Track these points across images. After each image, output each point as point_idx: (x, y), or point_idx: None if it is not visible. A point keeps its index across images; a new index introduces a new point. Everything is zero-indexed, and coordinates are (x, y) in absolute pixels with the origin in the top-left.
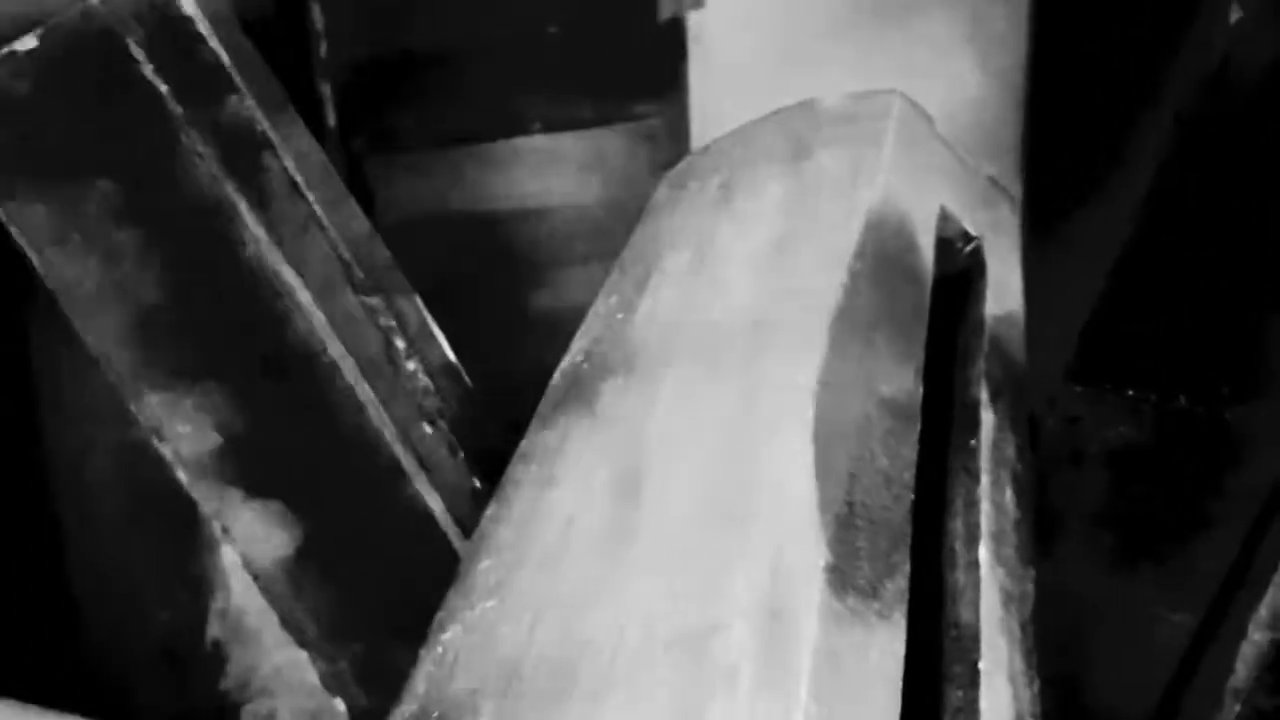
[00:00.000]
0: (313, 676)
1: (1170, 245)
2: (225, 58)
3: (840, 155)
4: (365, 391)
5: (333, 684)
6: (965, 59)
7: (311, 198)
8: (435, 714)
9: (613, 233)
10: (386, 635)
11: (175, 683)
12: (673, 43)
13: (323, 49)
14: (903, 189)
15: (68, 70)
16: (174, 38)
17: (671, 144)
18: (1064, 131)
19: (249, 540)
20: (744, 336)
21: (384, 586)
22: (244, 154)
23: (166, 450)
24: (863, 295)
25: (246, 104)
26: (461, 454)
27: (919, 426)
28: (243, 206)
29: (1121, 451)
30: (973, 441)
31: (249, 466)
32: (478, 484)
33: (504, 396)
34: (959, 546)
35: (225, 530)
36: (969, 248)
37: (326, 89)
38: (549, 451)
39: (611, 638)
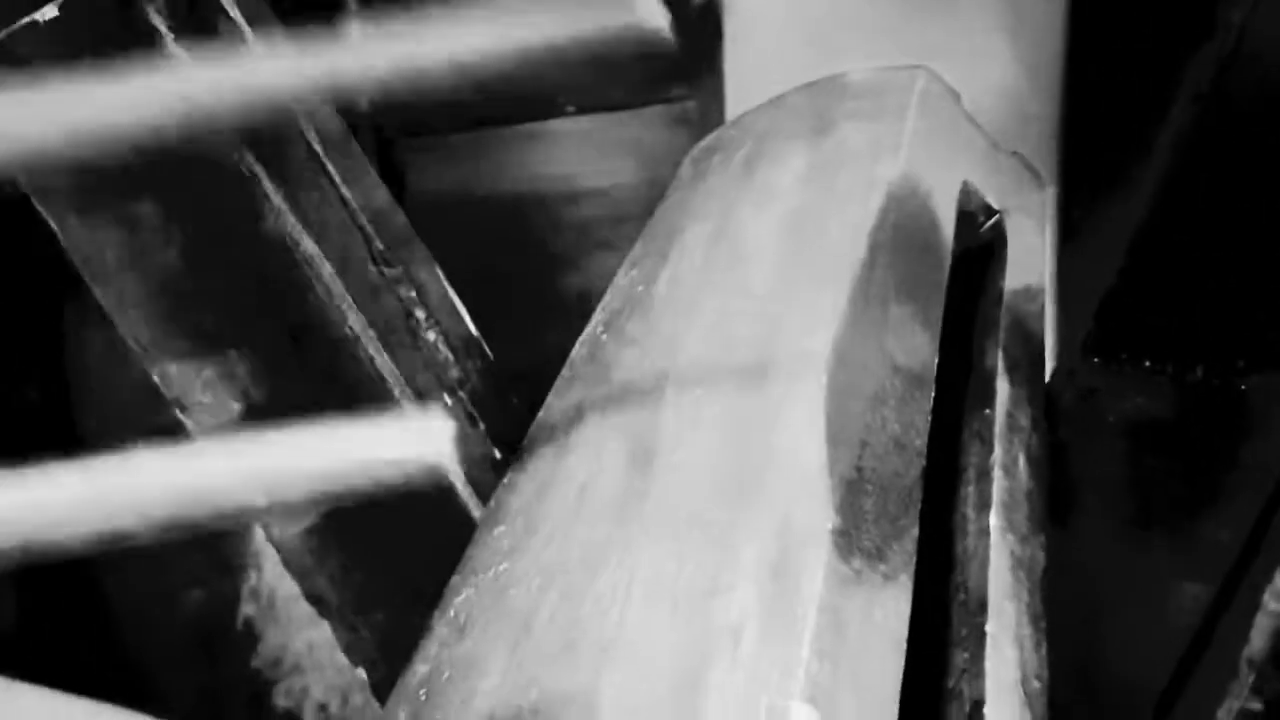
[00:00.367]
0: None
1: (1187, 219)
2: (246, 27)
3: (863, 129)
4: (384, 362)
5: (355, 654)
6: (1001, 47)
7: (332, 168)
8: (446, 674)
9: (646, 216)
10: (408, 604)
11: (207, 661)
12: (708, 25)
13: (355, 33)
14: (925, 162)
15: (89, 39)
16: (195, 7)
17: (706, 126)
18: (1099, 119)
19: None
20: (763, 307)
21: (405, 556)
22: (265, 124)
23: (188, 420)
24: (880, 266)
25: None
26: (482, 425)
27: (932, 394)
28: (263, 176)
29: (1138, 423)
30: (988, 411)
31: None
32: (498, 454)
33: (534, 378)
34: (970, 513)
35: None
36: (991, 221)
37: None
38: (566, 420)
39: (619, 598)
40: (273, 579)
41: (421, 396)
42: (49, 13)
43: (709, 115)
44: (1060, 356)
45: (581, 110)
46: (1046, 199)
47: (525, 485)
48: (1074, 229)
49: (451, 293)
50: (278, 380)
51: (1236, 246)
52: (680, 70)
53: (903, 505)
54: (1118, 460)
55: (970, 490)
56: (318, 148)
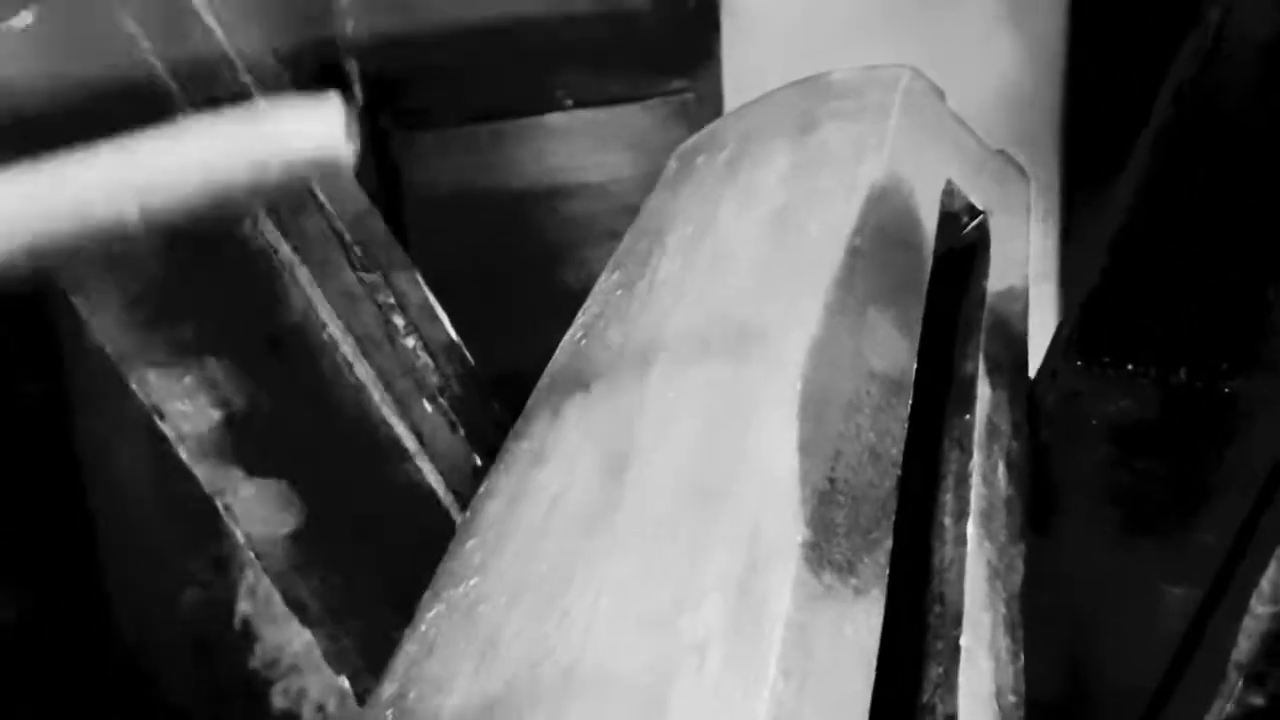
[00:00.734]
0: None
1: (1168, 220)
2: (221, 35)
3: (845, 128)
4: (364, 369)
5: (336, 661)
6: (1004, 39)
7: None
8: (412, 694)
9: None
10: (389, 612)
11: (205, 661)
12: (705, 18)
13: (350, 25)
14: (907, 163)
15: (63, 46)
16: (170, 14)
17: (704, 120)
18: (1102, 115)
19: (251, 518)
20: (740, 312)
21: (386, 563)
22: None
23: (168, 429)
24: (859, 269)
25: (243, 80)
26: (462, 431)
27: (910, 401)
28: None
29: (1122, 426)
30: (967, 416)
31: (249, 444)
32: (479, 461)
33: (532, 374)
34: (948, 521)
35: (227, 509)
36: (974, 222)
37: (353, 65)
38: (542, 429)
39: (585, 614)
40: None
41: (400, 402)
42: (24, 19)
43: (707, 109)
44: (1045, 358)
45: (580, 104)
46: (1032, 197)
47: (499, 495)
48: (1077, 227)
49: (431, 298)
50: (257, 387)
51: (1218, 248)
52: (678, 64)
53: (876, 517)
54: (1102, 463)
55: (949, 498)
56: None
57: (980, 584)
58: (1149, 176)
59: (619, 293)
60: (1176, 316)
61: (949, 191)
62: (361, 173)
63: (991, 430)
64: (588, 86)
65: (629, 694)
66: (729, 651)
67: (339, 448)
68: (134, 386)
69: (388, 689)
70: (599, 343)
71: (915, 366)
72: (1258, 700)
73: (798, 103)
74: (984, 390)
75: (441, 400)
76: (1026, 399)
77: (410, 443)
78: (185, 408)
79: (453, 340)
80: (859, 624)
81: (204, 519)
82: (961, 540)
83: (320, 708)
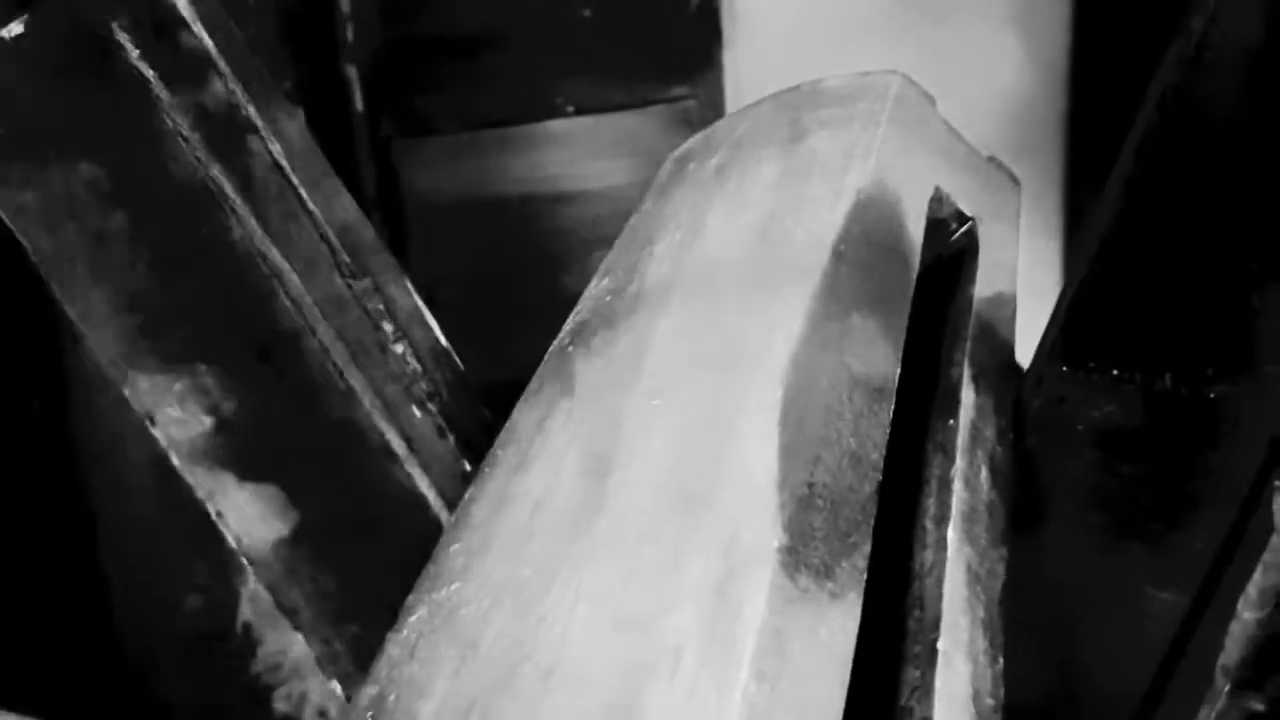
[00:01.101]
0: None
1: (1152, 225)
2: (209, 42)
3: (834, 136)
4: (354, 375)
5: (329, 666)
6: (1007, 46)
7: (297, 181)
8: (392, 696)
9: None
10: (381, 616)
11: (207, 666)
12: (706, 24)
13: (350, 32)
14: (895, 170)
15: (53, 56)
16: (158, 23)
17: (706, 126)
18: (1105, 118)
19: (243, 524)
20: (724, 319)
21: (378, 568)
22: (229, 138)
23: (159, 435)
24: (843, 276)
25: (231, 88)
26: (452, 437)
27: (892, 406)
28: (229, 190)
29: (1108, 431)
30: (951, 422)
31: (241, 450)
32: (468, 467)
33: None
34: (929, 525)
35: (219, 515)
36: (963, 229)
37: (354, 73)
38: (527, 433)
39: (563, 619)
40: None
41: (390, 408)
42: (14, 29)
43: (708, 115)
44: (1031, 363)
45: (580, 110)
46: (1022, 204)
47: (484, 500)
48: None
49: (421, 304)
50: (247, 393)
51: (1203, 254)
52: (679, 70)
53: (855, 521)
54: (1087, 468)
55: (931, 503)
56: (282, 161)
57: (959, 588)
58: (1133, 183)
59: (607, 298)
60: (1162, 323)
61: (937, 198)
62: (361, 179)
63: (975, 435)
64: (588, 93)
65: (604, 696)
66: (703, 654)
67: (329, 453)
68: (126, 393)
69: (369, 691)
70: (585, 349)
71: (899, 372)
72: (1257, 706)
73: (788, 110)
74: (968, 396)
75: (430, 406)
76: (1013, 404)
77: (400, 448)
78: (176, 414)
79: (442, 346)
80: (834, 627)
81: (205, 524)
82: (942, 545)
83: (321, 712)
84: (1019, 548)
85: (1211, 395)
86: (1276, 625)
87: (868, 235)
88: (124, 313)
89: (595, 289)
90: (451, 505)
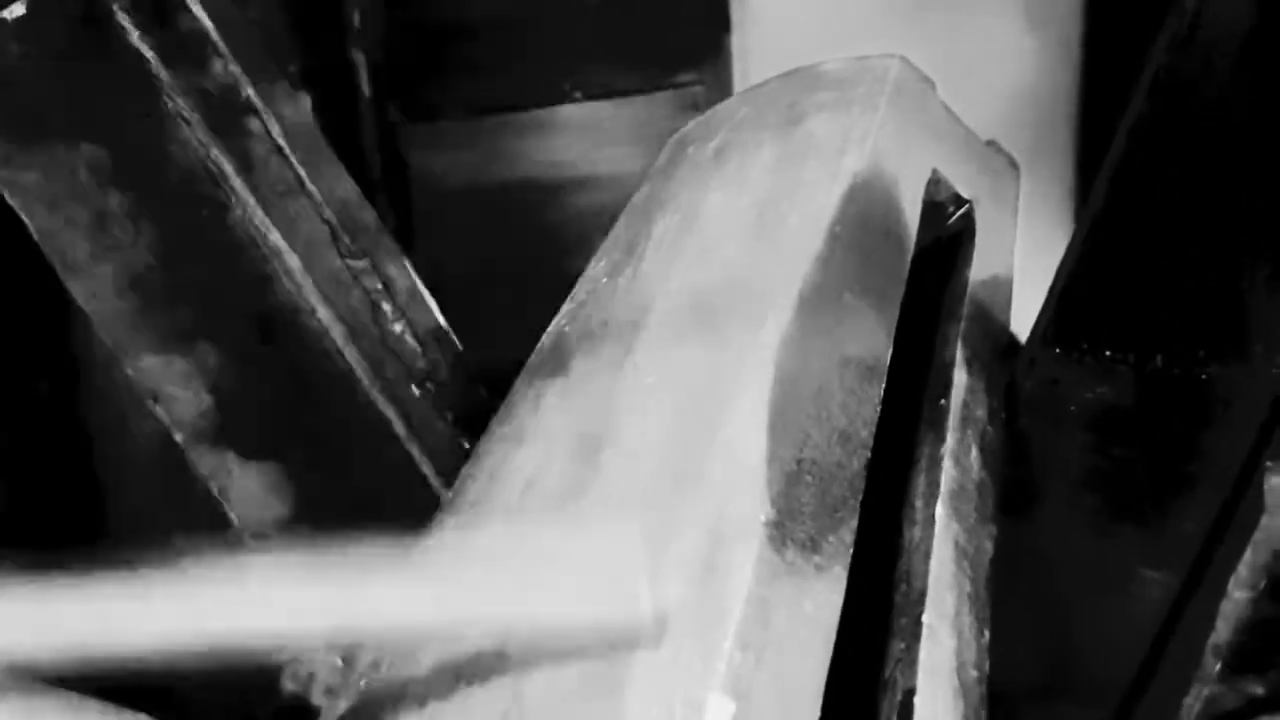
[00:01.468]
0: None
1: (1143, 207)
2: (209, 23)
3: (832, 120)
4: (353, 354)
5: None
6: (1020, 35)
7: (296, 161)
8: (385, 663)
9: None
10: None
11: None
12: (714, 10)
13: (357, 18)
14: (892, 154)
15: (56, 37)
16: (158, 5)
17: None
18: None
19: (244, 501)
20: (718, 300)
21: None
22: (229, 119)
23: (162, 413)
24: (837, 258)
25: (231, 69)
26: (450, 415)
27: (883, 385)
28: (229, 170)
29: (1100, 413)
30: (943, 401)
31: (243, 429)
32: (466, 445)
33: None
34: (919, 503)
35: (221, 492)
36: (960, 211)
37: (361, 58)
38: (523, 413)
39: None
40: None
41: (389, 387)
42: (16, 10)
43: (716, 101)
44: (1025, 345)
45: (589, 97)
46: (1020, 187)
47: (479, 476)
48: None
49: (419, 284)
50: (248, 372)
51: (1194, 236)
52: (687, 56)
53: (843, 496)
54: (1080, 450)
55: (921, 480)
56: (282, 142)
57: (946, 563)
58: (1125, 165)
59: (604, 280)
60: (1153, 304)
61: (935, 181)
62: (368, 165)
63: (966, 415)
64: (596, 79)
65: (591, 664)
66: (690, 625)
67: (329, 431)
68: (129, 372)
69: (364, 659)
70: (581, 329)
71: (891, 352)
72: (1257, 690)
73: (787, 94)
74: (961, 377)
75: (429, 385)
76: (1006, 386)
77: (399, 426)
78: (179, 392)
79: (440, 326)
80: (820, 600)
81: (212, 503)
82: (930, 521)
83: (329, 690)
84: (1011, 528)
85: (1203, 376)
86: (1267, 606)
87: (863, 218)
88: (126, 292)
89: (593, 270)
90: (449, 482)
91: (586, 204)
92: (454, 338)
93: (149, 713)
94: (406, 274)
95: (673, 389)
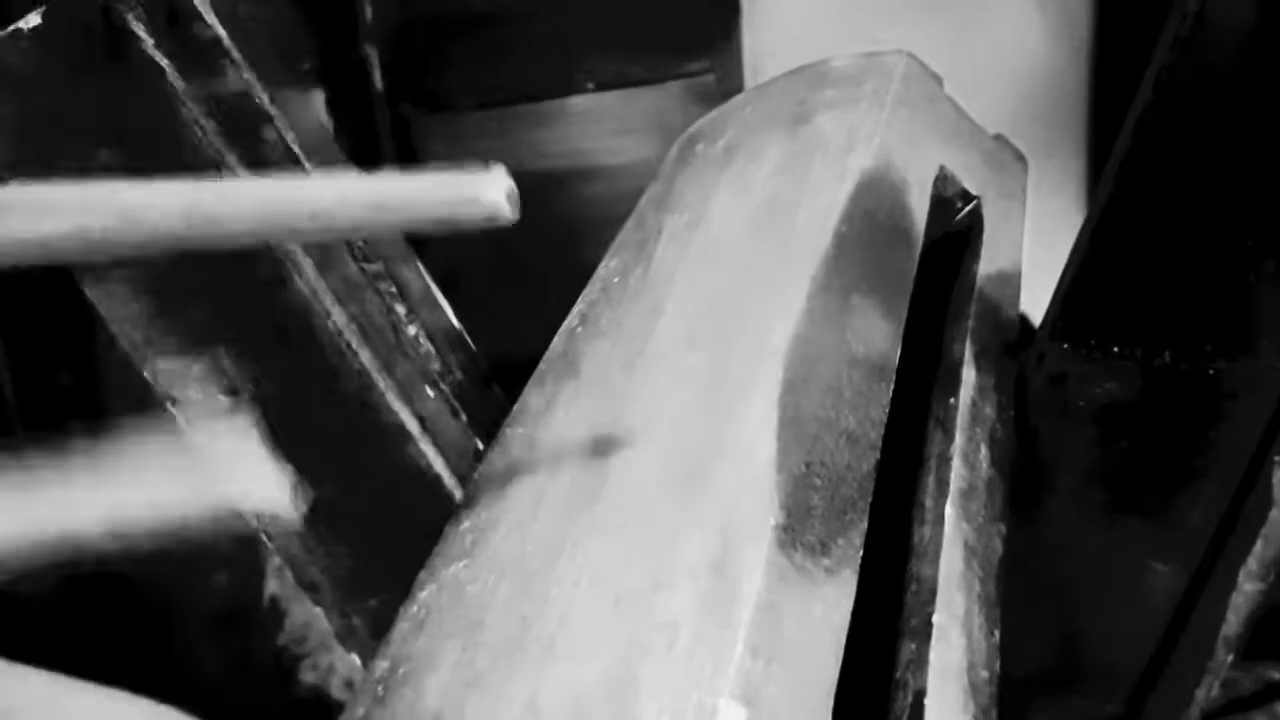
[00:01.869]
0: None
1: (1149, 203)
2: (222, 32)
3: (839, 118)
4: (367, 356)
5: (347, 640)
6: (1030, 22)
7: (310, 167)
8: (401, 670)
9: None
10: (397, 591)
11: (235, 638)
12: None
13: (369, 12)
14: (900, 150)
15: (72, 46)
16: (173, 13)
17: (724, 101)
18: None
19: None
20: (726, 301)
21: (393, 545)
22: (243, 126)
23: (180, 416)
24: (845, 257)
25: (245, 77)
26: (464, 416)
27: (891, 385)
28: (244, 176)
29: (1108, 408)
30: (952, 400)
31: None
32: (480, 445)
33: None
34: (928, 502)
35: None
36: (968, 207)
37: (373, 52)
38: (536, 414)
39: (565, 595)
40: None
41: (403, 388)
42: (32, 20)
43: (728, 90)
44: (1034, 341)
45: (601, 87)
46: (1028, 181)
47: (492, 478)
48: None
49: (433, 286)
50: (264, 375)
51: (1200, 232)
52: (698, 45)
53: (852, 499)
54: (1089, 444)
55: (930, 479)
56: (295, 148)
57: (956, 563)
58: (1131, 161)
59: (615, 280)
60: (1160, 300)
61: (942, 177)
62: (382, 158)
63: (975, 413)
64: (608, 69)
65: (603, 670)
66: (700, 630)
67: (344, 433)
68: (147, 375)
69: (380, 665)
70: (593, 330)
71: (899, 351)
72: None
73: (794, 91)
74: (969, 374)
75: (443, 386)
76: (1015, 382)
77: (414, 427)
78: (195, 395)
79: (454, 327)
80: (829, 603)
81: None
82: (940, 521)
83: (349, 683)
84: (1021, 523)
85: (1210, 371)
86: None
87: (870, 216)
88: (143, 297)
89: (604, 270)
90: (463, 483)
91: (600, 194)
92: (468, 339)
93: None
94: (419, 276)
95: (683, 391)
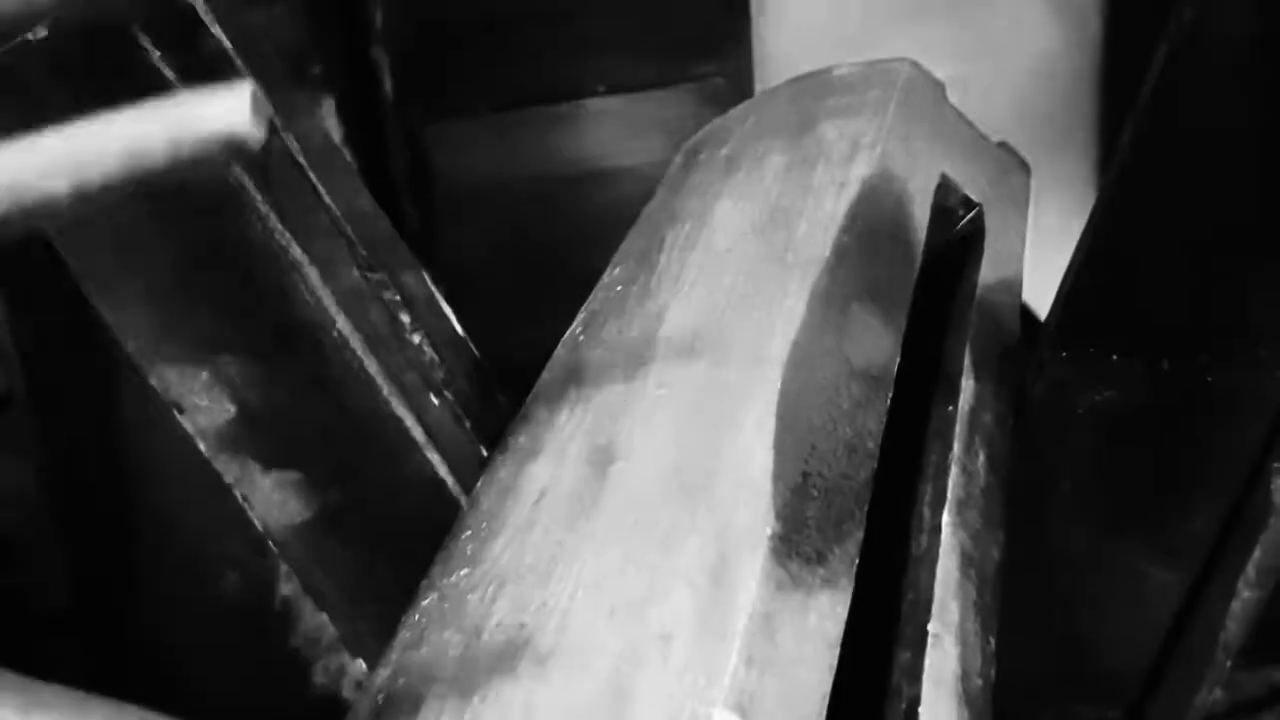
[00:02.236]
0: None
1: (1149, 213)
2: (227, 43)
3: (842, 126)
4: (373, 364)
5: (353, 644)
6: (1043, 25)
7: (314, 176)
8: (401, 680)
9: None
10: (402, 598)
11: (248, 640)
12: (735, 2)
13: (379, 17)
14: (901, 159)
15: (78, 58)
16: (178, 24)
17: (734, 103)
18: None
19: (269, 509)
20: (727, 310)
21: (398, 551)
22: None
23: (187, 423)
24: (845, 266)
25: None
26: (469, 423)
27: (890, 395)
28: (249, 187)
29: (1109, 414)
30: (950, 408)
31: (265, 438)
32: (485, 452)
33: None
34: (925, 511)
35: (245, 499)
36: (969, 215)
37: (384, 57)
38: (537, 421)
39: (562, 605)
40: None
41: (408, 396)
42: (39, 32)
43: (738, 93)
44: (1035, 348)
45: (611, 90)
46: (1031, 188)
47: (493, 487)
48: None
49: (437, 295)
50: (270, 383)
51: (1200, 241)
52: (708, 48)
53: (848, 509)
54: (1089, 451)
55: (928, 488)
56: (301, 158)
57: (952, 572)
58: (1130, 170)
59: (618, 289)
60: (1160, 308)
61: (944, 185)
62: (392, 163)
63: (974, 422)
64: (618, 72)
65: (599, 680)
66: (695, 640)
67: (350, 440)
68: (153, 382)
69: (381, 674)
70: (595, 339)
71: (898, 361)
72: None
73: (797, 100)
74: (968, 383)
75: (448, 394)
76: (1016, 389)
77: (419, 435)
78: (202, 403)
79: (459, 335)
80: (824, 613)
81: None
82: (936, 530)
83: (360, 685)
84: (1022, 529)
85: (1209, 378)
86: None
87: (871, 225)
88: (150, 306)
89: (607, 279)
90: (468, 490)
91: (610, 197)
92: (472, 346)
93: (175, 713)
94: (424, 284)
95: (682, 401)
